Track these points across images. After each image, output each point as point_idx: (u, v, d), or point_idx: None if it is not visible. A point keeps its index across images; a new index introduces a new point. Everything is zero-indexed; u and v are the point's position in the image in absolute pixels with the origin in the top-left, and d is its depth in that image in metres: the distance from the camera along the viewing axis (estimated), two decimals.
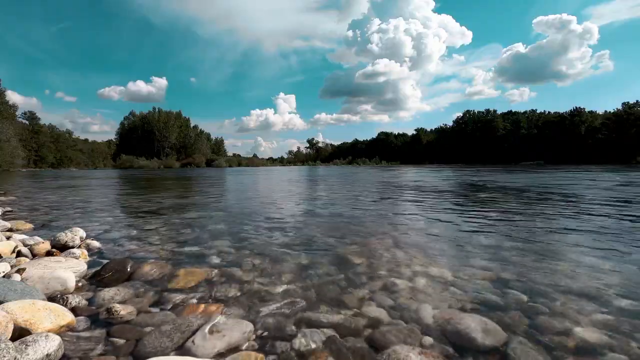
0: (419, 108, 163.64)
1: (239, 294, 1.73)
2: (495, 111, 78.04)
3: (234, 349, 1.23)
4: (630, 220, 3.70)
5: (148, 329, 1.35)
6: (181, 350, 1.21)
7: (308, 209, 5.20)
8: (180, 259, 2.33)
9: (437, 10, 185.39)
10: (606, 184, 9.24)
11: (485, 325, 1.35)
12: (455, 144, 79.11)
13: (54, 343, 1.12)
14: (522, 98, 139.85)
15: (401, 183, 11.09)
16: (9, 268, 1.86)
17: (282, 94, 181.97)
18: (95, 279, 1.91)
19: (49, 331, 1.23)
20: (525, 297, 1.66)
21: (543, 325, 1.38)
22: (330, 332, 1.34)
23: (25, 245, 2.44)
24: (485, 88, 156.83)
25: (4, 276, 1.73)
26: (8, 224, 3.29)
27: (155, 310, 1.55)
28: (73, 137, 70.61)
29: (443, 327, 1.38)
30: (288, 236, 3.10)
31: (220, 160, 78.98)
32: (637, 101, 56.63)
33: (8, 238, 2.59)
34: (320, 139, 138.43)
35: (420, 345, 1.25)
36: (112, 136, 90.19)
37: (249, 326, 1.35)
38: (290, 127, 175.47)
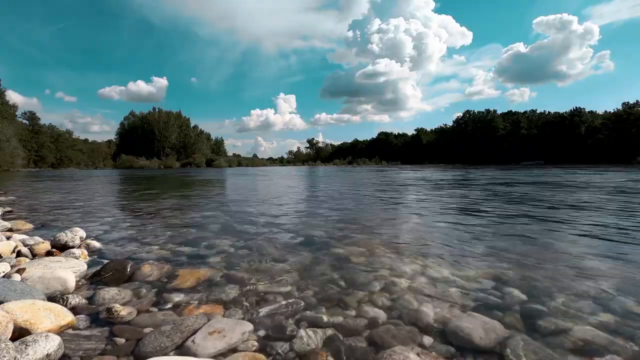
0: (419, 108, 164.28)
1: (238, 294, 1.73)
2: (495, 111, 77.90)
3: (234, 349, 1.23)
4: (630, 220, 3.70)
5: (148, 329, 1.35)
6: (181, 350, 1.21)
7: (307, 208, 5.20)
8: (180, 260, 2.33)
9: (437, 11, 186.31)
10: (606, 184, 9.23)
11: (485, 325, 1.35)
12: (455, 144, 78.96)
13: (54, 343, 1.12)
14: (522, 98, 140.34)
15: (400, 184, 11.07)
16: (9, 268, 1.86)
17: (282, 94, 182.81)
18: (95, 279, 1.91)
19: (49, 331, 1.23)
20: (525, 297, 1.66)
21: (543, 325, 1.38)
22: (330, 332, 1.34)
23: (25, 245, 2.44)
24: (485, 88, 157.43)
25: (4, 276, 1.73)
26: (8, 224, 3.29)
27: (155, 310, 1.55)
28: (73, 137, 70.60)
29: (443, 327, 1.38)
30: (288, 236, 3.10)
31: (220, 160, 79.02)
32: (637, 101, 56.59)
33: (8, 238, 2.59)
34: (320, 139, 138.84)
35: (420, 345, 1.25)
36: (112, 136, 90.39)
37: (249, 326, 1.35)
38: (291, 127, 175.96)
